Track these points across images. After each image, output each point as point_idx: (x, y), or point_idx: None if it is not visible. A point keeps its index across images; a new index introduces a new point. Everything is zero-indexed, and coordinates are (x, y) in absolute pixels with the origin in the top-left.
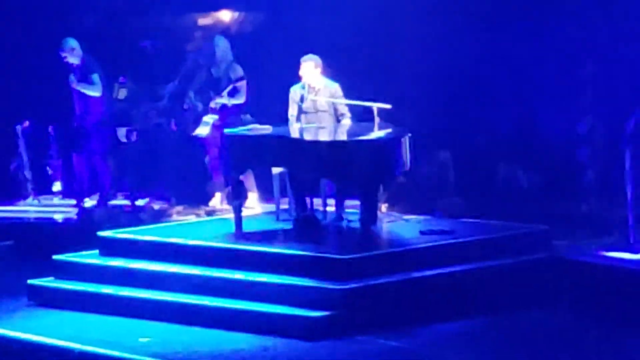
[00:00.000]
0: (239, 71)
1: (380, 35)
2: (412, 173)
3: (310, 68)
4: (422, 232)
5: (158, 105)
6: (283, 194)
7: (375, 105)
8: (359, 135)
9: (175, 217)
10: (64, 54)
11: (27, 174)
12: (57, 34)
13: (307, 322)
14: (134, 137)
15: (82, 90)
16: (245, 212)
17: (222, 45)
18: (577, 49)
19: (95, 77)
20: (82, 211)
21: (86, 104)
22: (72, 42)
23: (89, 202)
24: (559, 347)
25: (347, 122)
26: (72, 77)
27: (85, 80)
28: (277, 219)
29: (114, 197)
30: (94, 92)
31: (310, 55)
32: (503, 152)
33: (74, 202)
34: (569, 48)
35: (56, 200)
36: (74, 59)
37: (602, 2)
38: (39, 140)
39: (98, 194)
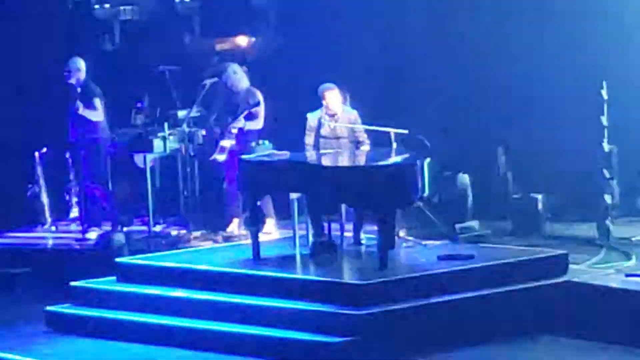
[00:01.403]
0: (257, 96)
1: (398, 60)
2: (430, 198)
3: (337, 96)
4: (440, 257)
5: (176, 131)
6: (301, 219)
7: (393, 131)
8: (377, 161)
9: (192, 243)
10: (67, 71)
11: (45, 200)
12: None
13: (325, 348)
14: (151, 163)
15: (87, 117)
16: (262, 238)
17: (238, 73)
18: (594, 70)
19: (97, 101)
20: (100, 237)
21: (83, 130)
22: (80, 62)
23: (94, 233)
24: None
25: (365, 148)
26: (78, 103)
27: (86, 102)
28: (295, 245)
29: (132, 223)
30: (97, 117)
31: (331, 84)
32: (521, 175)
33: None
34: (586, 70)
35: (73, 226)
36: (74, 80)
37: (614, 24)
38: (57, 167)
39: (110, 222)
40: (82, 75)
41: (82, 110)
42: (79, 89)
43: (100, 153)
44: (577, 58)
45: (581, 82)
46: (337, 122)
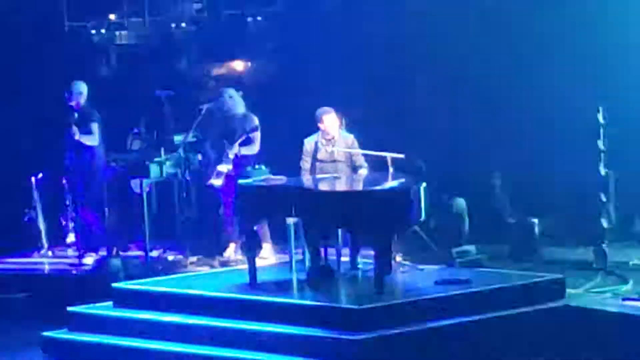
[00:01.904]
0: (254, 121)
1: (395, 85)
2: (427, 222)
3: (334, 119)
4: (436, 282)
5: (172, 156)
6: (297, 244)
7: (389, 155)
8: (373, 185)
9: (189, 268)
10: (69, 93)
11: (41, 225)
12: (71, 82)
13: None
14: (147, 188)
15: (82, 141)
16: (259, 263)
17: (234, 97)
18: (590, 95)
19: (95, 126)
20: (96, 262)
21: (78, 155)
22: (82, 86)
23: (90, 258)
24: None
25: (363, 172)
26: (75, 129)
27: (83, 127)
28: (292, 270)
29: (128, 248)
30: (92, 142)
31: (328, 108)
32: (517, 199)
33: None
34: (582, 94)
35: (70, 251)
36: (75, 103)
37: (612, 48)
38: (53, 192)
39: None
40: (83, 99)
41: (78, 136)
42: (76, 114)
43: (95, 178)
44: (574, 82)
45: (577, 107)
46: (334, 147)
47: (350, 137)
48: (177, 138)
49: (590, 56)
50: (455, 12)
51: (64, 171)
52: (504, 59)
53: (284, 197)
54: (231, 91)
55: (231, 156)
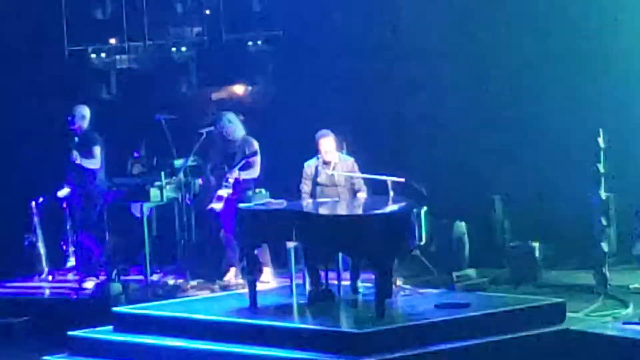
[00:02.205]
0: (254, 146)
1: (393, 107)
2: (427, 246)
3: (331, 142)
4: (437, 306)
5: (172, 180)
6: (298, 268)
7: (389, 179)
8: (374, 209)
9: (189, 292)
10: (71, 116)
11: (42, 249)
12: (71, 107)
13: None
14: (147, 212)
15: (82, 164)
16: (260, 287)
17: (233, 122)
18: (590, 119)
19: (97, 149)
20: (97, 287)
21: (79, 179)
22: (85, 110)
23: (90, 282)
24: None
25: (363, 195)
26: (75, 153)
27: (85, 150)
28: (292, 294)
29: (129, 272)
30: (93, 166)
31: (326, 131)
32: (518, 223)
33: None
34: (583, 118)
35: (70, 276)
36: (77, 126)
37: (612, 72)
38: (53, 216)
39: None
40: (86, 123)
41: (79, 160)
42: (76, 138)
43: (94, 202)
44: (574, 106)
45: (578, 130)
46: (334, 170)
47: (351, 160)
48: (178, 162)
49: (591, 79)
50: (454, 38)
51: (65, 195)
52: (505, 82)
53: (284, 221)
54: (230, 115)
55: (231, 180)
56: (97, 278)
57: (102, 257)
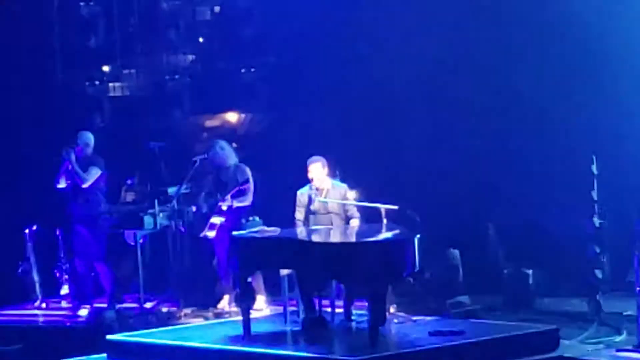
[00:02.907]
0: (246, 173)
1: (387, 135)
2: (421, 273)
3: (319, 169)
4: (430, 333)
5: (166, 208)
6: (291, 295)
7: (383, 207)
8: (367, 237)
9: (183, 319)
10: (76, 145)
11: (35, 277)
12: (64, 134)
13: None
14: (141, 240)
15: (74, 171)
16: (253, 314)
17: (226, 149)
18: (585, 146)
19: (93, 169)
20: (90, 314)
21: (85, 205)
22: (89, 137)
23: (84, 310)
24: None
25: (355, 222)
26: (72, 156)
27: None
28: (286, 321)
29: (122, 300)
30: (80, 178)
31: (316, 157)
32: (512, 250)
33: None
34: (578, 145)
35: (64, 303)
36: (83, 153)
37: (605, 101)
38: (47, 244)
39: (106, 297)
40: (90, 149)
41: (72, 162)
42: (70, 166)
43: (101, 229)
44: (567, 133)
45: (571, 157)
46: (326, 197)
47: (344, 187)
48: (171, 190)
49: (584, 106)
50: (450, 66)
51: (69, 222)
52: (499, 110)
53: (278, 248)
54: (222, 143)
55: (224, 208)
56: (91, 306)
57: (105, 284)
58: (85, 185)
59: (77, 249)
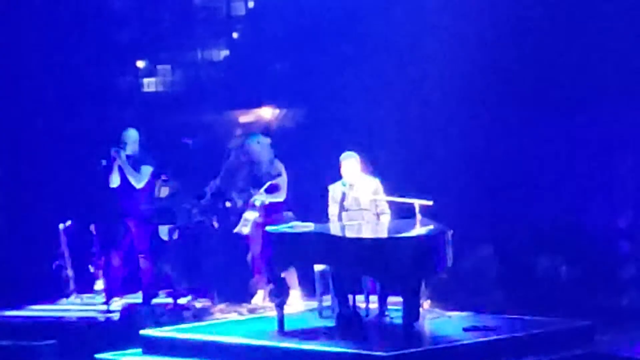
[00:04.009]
0: (279, 168)
1: (421, 129)
2: (455, 269)
3: (352, 165)
4: (465, 329)
5: (200, 203)
6: (325, 291)
7: (417, 202)
8: (401, 232)
9: (217, 315)
10: (124, 143)
11: (69, 272)
12: (97, 131)
13: None
14: (175, 235)
15: (126, 173)
16: (287, 310)
17: (261, 144)
18: (617, 143)
19: (146, 169)
20: (125, 310)
21: (130, 200)
22: (135, 135)
23: (118, 302)
24: None
25: (386, 218)
26: (123, 156)
27: (136, 170)
28: (320, 316)
29: (157, 295)
30: (135, 181)
31: (350, 153)
32: (544, 246)
33: (116, 300)
34: (609, 142)
35: (98, 298)
36: (130, 151)
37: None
38: (81, 239)
39: (141, 292)
40: (137, 146)
41: (121, 162)
42: (116, 166)
43: (148, 225)
44: (600, 126)
45: (603, 151)
46: (358, 192)
47: (375, 182)
48: (205, 185)
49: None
50: (479, 61)
51: (121, 219)
52: (532, 106)
53: (312, 244)
54: (260, 137)
55: (257, 203)
56: (124, 299)
57: (147, 279)
58: (140, 186)
59: (119, 243)
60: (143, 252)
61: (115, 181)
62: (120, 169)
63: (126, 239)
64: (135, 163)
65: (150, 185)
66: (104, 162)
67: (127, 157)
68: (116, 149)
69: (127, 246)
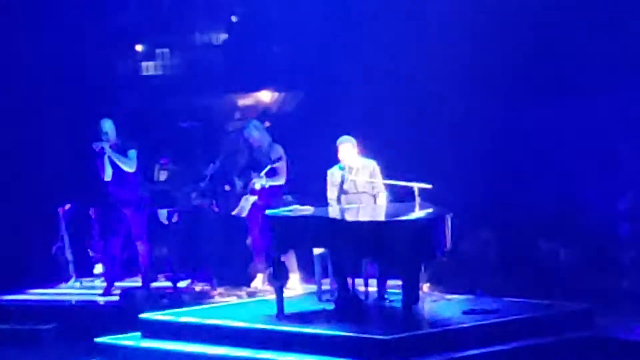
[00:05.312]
0: (278, 152)
1: (421, 113)
2: (454, 252)
3: (349, 149)
4: (464, 312)
5: (199, 187)
6: (324, 274)
7: (416, 185)
8: (400, 215)
9: (217, 298)
10: (105, 133)
11: (69, 256)
12: (97, 114)
13: None
14: (175, 219)
15: (116, 161)
16: (286, 293)
17: (259, 128)
18: (616, 125)
19: (132, 152)
20: (124, 293)
21: (127, 187)
22: (110, 124)
23: (119, 287)
24: None
25: (382, 197)
26: (108, 148)
27: (123, 156)
28: (319, 300)
29: (156, 279)
30: (127, 167)
31: (346, 137)
32: (544, 229)
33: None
34: (608, 125)
35: (98, 282)
36: (113, 141)
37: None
38: (80, 223)
39: (140, 276)
40: (115, 134)
41: (110, 153)
42: (106, 159)
43: (144, 210)
44: (600, 110)
45: (604, 134)
46: (356, 176)
47: (373, 164)
48: (204, 169)
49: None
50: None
51: (107, 203)
52: (531, 91)
53: (311, 227)
54: (256, 122)
55: (258, 187)
56: (112, 286)
57: (145, 264)
58: (133, 170)
59: (116, 229)
60: (140, 238)
61: (108, 174)
62: (111, 160)
63: (123, 227)
64: (120, 150)
65: (139, 170)
66: (96, 147)
67: (111, 146)
68: (98, 144)
69: (124, 234)
